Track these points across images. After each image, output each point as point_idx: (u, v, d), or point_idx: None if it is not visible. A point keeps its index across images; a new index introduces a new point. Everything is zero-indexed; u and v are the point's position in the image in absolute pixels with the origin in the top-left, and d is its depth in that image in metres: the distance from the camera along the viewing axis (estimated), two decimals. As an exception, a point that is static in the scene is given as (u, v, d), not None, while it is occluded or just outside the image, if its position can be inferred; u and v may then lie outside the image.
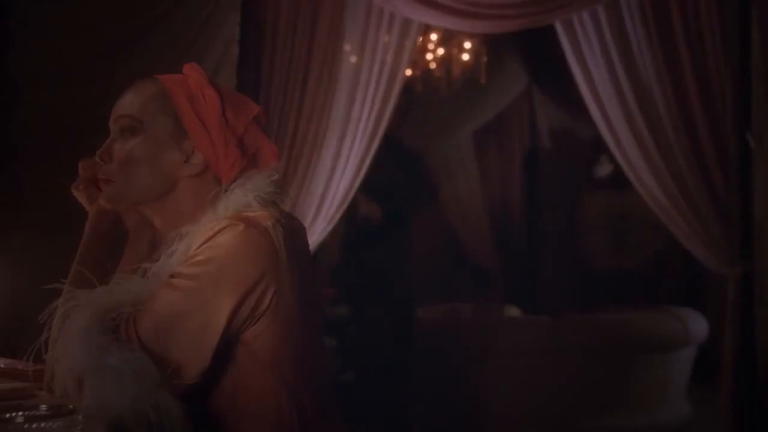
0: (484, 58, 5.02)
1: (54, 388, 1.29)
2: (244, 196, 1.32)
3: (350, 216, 3.72)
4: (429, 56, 5.02)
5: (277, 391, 1.28)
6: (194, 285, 1.24)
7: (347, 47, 3.66)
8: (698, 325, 4.52)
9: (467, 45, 5.00)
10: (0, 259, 2.79)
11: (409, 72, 4.42)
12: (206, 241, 1.26)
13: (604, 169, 6.53)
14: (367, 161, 3.68)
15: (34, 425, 1.24)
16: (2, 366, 1.67)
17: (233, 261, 1.24)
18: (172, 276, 1.27)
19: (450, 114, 5.76)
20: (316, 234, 3.62)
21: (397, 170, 3.90)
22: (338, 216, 3.68)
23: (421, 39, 4.47)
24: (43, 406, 1.30)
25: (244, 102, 1.42)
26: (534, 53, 5.74)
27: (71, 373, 1.22)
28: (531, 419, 3.54)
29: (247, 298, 1.25)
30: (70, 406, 1.25)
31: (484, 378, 3.81)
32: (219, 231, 1.26)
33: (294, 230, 1.35)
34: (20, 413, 1.27)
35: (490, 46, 5.11)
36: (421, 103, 5.30)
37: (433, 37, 4.97)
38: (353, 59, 3.69)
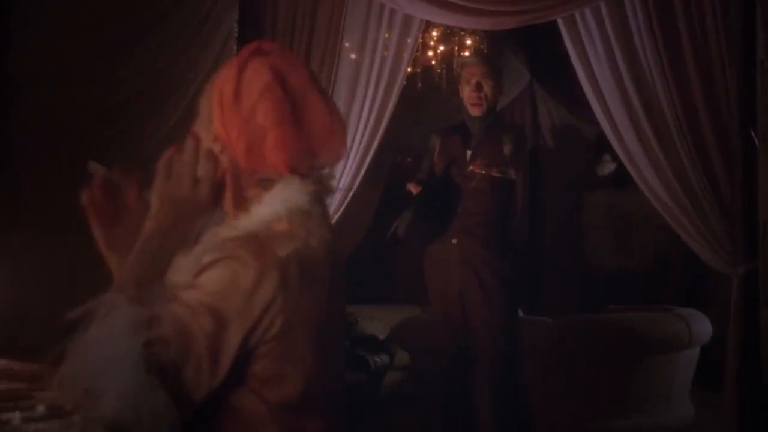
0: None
1: (63, 385, 1.20)
2: (281, 205, 1.27)
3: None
4: (430, 53, 5.02)
5: (275, 408, 1.26)
6: (200, 314, 1.19)
7: (347, 44, 3.64)
8: (701, 326, 4.50)
9: (468, 42, 5.00)
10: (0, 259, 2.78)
11: (409, 69, 4.40)
12: (213, 262, 1.21)
13: (606, 168, 6.51)
14: (368, 159, 3.67)
15: (31, 426, 1.23)
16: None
17: (239, 294, 1.20)
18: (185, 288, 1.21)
19: (451, 111, 5.74)
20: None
21: None
22: (337, 215, 3.66)
23: (421, 36, 4.46)
24: (41, 407, 1.29)
25: (258, 74, 1.29)
26: (535, 50, 5.73)
27: (100, 385, 1.15)
28: (533, 420, 3.51)
29: (255, 330, 1.22)
30: (68, 408, 1.23)
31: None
32: (226, 257, 1.21)
33: (313, 253, 1.27)
34: (17, 414, 1.26)
35: (492, 43, 5.10)
36: (421, 100, 5.28)
37: (434, 34, 4.97)
38: (353, 56, 3.68)
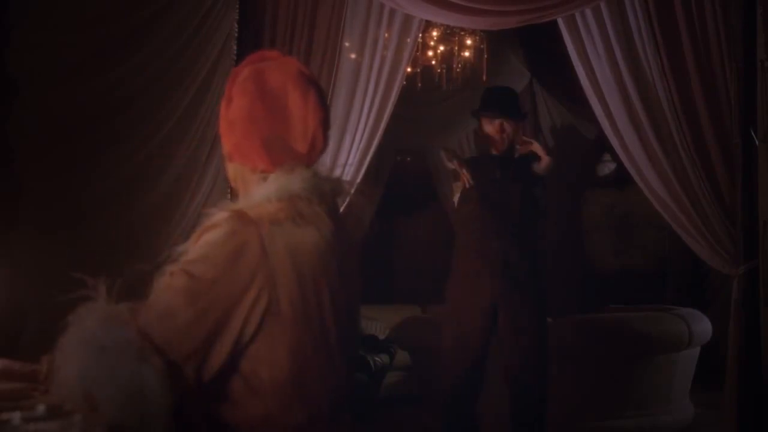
0: (486, 55, 5.01)
1: (62, 394, 1.26)
2: (273, 187, 1.34)
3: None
4: (430, 53, 5.02)
5: (264, 391, 1.28)
6: (182, 283, 1.24)
7: (347, 44, 3.64)
8: (701, 326, 4.50)
9: (468, 42, 5.00)
10: (-2, 259, 2.78)
11: (409, 69, 4.40)
12: (198, 235, 1.28)
13: (606, 168, 6.52)
14: (368, 158, 3.67)
15: (31, 426, 1.23)
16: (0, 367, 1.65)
17: (220, 260, 1.25)
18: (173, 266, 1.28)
19: (451, 111, 5.75)
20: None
21: None
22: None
23: (421, 36, 4.46)
24: (41, 407, 1.29)
25: (241, 79, 1.42)
26: (536, 50, 5.73)
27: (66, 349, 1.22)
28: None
29: (243, 300, 1.25)
30: (68, 408, 1.23)
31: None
32: (208, 228, 1.28)
33: (302, 233, 1.32)
34: (17, 414, 1.26)
35: (492, 42, 5.10)
36: (421, 100, 5.28)
37: (434, 34, 4.97)
38: (353, 56, 3.68)
